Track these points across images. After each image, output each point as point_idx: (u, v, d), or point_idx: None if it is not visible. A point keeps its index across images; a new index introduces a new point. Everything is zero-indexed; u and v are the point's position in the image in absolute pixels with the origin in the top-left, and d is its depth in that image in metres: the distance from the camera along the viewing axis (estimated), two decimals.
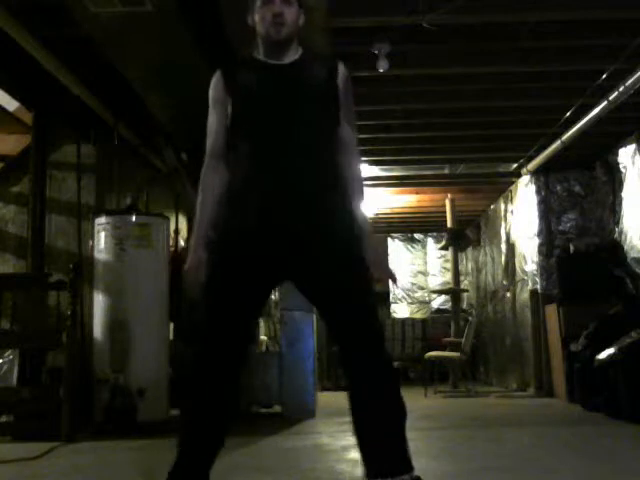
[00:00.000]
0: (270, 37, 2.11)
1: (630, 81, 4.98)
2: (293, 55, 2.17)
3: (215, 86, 2.18)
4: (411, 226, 11.40)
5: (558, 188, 7.61)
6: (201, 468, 2.09)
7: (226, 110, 2.14)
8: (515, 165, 7.86)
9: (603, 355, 5.17)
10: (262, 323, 7.99)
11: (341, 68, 2.19)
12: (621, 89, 5.12)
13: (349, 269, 2.06)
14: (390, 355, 2.16)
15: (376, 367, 2.05)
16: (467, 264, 11.51)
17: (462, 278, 10.50)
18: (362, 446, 2.05)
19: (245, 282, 2.07)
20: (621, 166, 6.63)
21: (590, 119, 5.75)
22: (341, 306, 2.06)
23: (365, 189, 2.25)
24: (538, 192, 7.63)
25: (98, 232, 5.05)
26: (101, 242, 5.02)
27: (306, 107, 2.11)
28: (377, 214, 9.77)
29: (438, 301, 11.89)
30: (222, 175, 2.17)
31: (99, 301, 5.00)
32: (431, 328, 10.96)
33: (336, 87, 2.16)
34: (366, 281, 2.09)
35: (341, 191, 2.12)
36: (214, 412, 2.11)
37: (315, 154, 2.10)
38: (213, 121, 2.19)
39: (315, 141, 2.10)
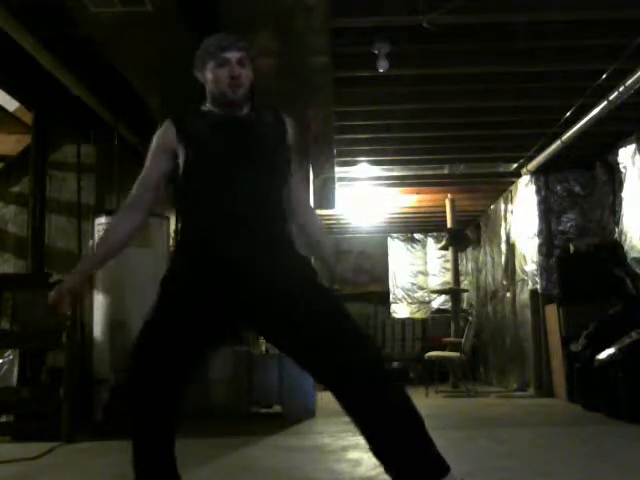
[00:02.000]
0: (226, 97, 2.13)
1: (630, 81, 4.98)
2: (243, 110, 2.19)
3: (165, 134, 2.14)
4: (411, 226, 11.39)
5: (558, 188, 7.61)
6: (158, 463, 2.10)
7: (171, 160, 2.12)
8: (515, 165, 7.85)
9: (603, 355, 5.17)
10: None
11: (289, 122, 2.23)
12: (621, 89, 5.12)
13: (305, 298, 2.03)
14: (383, 364, 2.08)
15: (373, 385, 1.96)
16: (467, 264, 11.51)
17: (462, 278, 10.49)
18: (387, 468, 1.96)
19: (187, 318, 2.05)
20: (621, 166, 6.63)
21: (590, 119, 5.75)
22: (305, 334, 2.00)
23: (322, 223, 2.45)
24: (538, 192, 7.63)
25: (98, 232, 5.05)
26: None
27: (256, 161, 2.13)
28: (377, 214, 9.78)
29: (438, 301, 11.88)
30: (132, 224, 2.16)
31: (99, 301, 5.00)
32: (431, 328, 10.94)
33: (285, 140, 2.20)
34: (326, 300, 2.06)
35: (288, 238, 2.16)
36: (147, 422, 2.10)
37: (263, 205, 2.12)
38: (151, 170, 2.15)
39: (263, 193, 2.12)
